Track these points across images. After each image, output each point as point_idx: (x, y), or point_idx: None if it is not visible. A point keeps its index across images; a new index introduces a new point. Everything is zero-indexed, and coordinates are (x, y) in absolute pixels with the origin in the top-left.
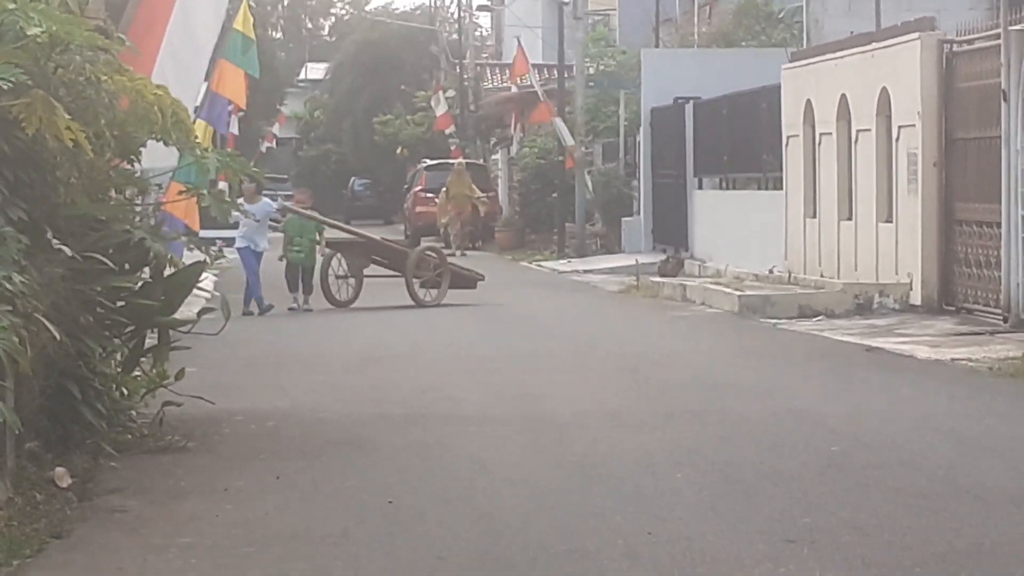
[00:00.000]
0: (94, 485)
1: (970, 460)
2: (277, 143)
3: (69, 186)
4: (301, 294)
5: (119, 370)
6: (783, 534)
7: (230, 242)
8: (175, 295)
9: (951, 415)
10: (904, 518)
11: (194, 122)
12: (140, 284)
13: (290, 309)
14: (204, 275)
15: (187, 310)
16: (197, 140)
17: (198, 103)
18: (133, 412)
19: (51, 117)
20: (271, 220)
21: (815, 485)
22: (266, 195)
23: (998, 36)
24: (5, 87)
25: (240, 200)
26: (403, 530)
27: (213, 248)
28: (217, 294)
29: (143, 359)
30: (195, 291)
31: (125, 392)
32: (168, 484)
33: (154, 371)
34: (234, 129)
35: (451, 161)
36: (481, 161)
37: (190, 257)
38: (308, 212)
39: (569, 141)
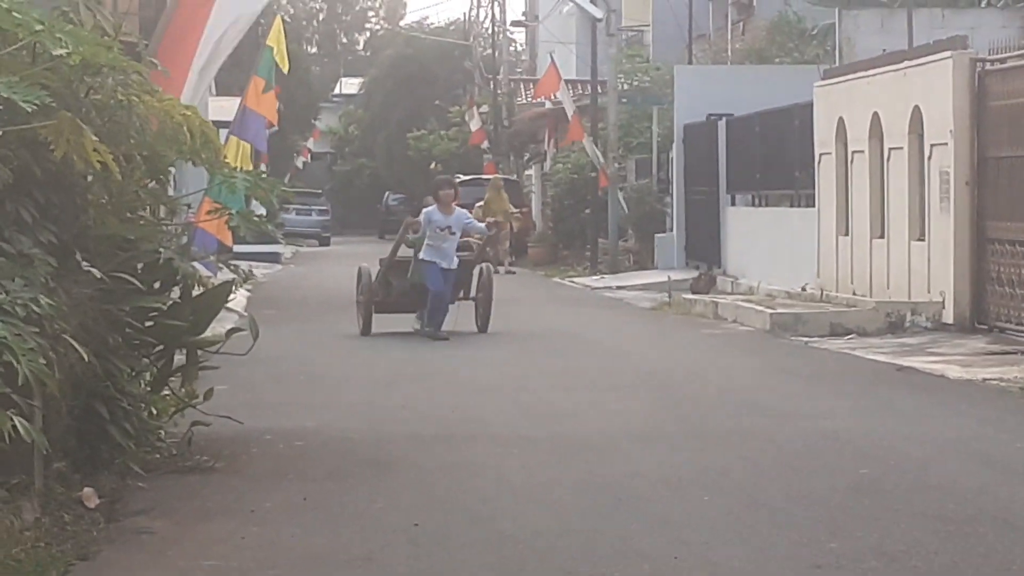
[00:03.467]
0: (121, 506)
1: (1000, 484)
2: (312, 158)
3: (99, 207)
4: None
5: (147, 390)
6: (810, 559)
7: (271, 257)
8: (204, 314)
9: (982, 437)
10: (932, 543)
11: (226, 140)
12: (169, 304)
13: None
14: (235, 293)
15: (219, 327)
16: (226, 159)
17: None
18: (161, 432)
19: (79, 139)
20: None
21: (843, 509)
22: (298, 208)
23: None
24: (29, 109)
25: (430, 208)
26: (427, 554)
27: (243, 267)
28: (246, 314)
29: (172, 379)
30: (226, 310)
31: (154, 412)
32: (195, 505)
33: (183, 391)
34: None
35: (485, 177)
36: (514, 177)
37: (223, 275)
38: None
39: (599, 161)
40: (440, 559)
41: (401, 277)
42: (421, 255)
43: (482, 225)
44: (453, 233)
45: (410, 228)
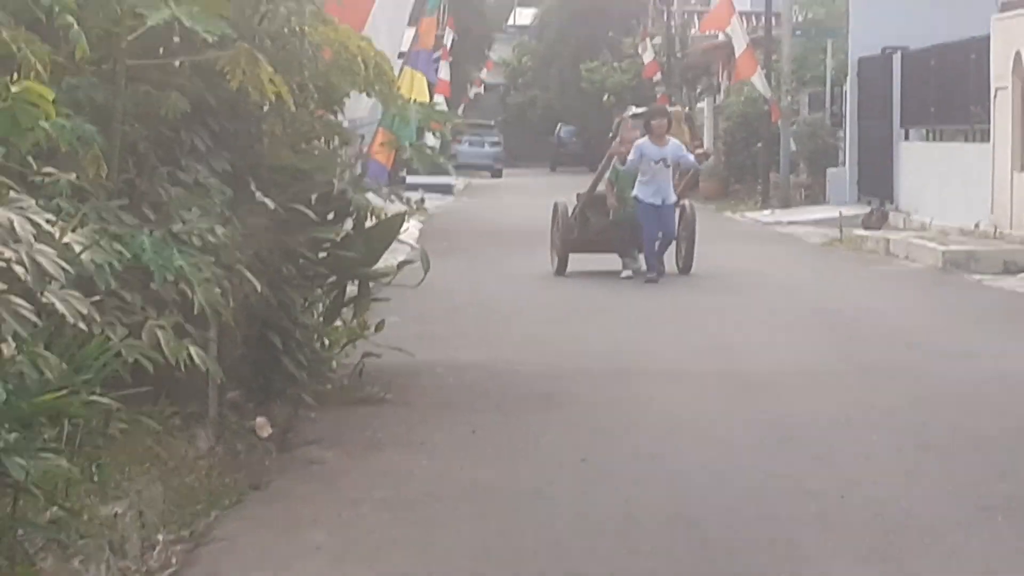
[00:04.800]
0: (293, 436)
1: None
2: (485, 89)
3: (273, 138)
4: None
5: (320, 321)
6: (978, 501)
7: (443, 189)
8: (376, 246)
9: None
10: None
11: (400, 70)
12: (342, 235)
13: (627, 277)
14: (408, 225)
15: (391, 259)
16: (399, 91)
17: (404, 48)
18: (333, 363)
19: (255, 70)
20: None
21: (1012, 451)
22: (471, 139)
23: None
24: (211, 40)
25: (642, 141)
26: (595, 488)
27: (415, 199)
28: (418, 246)
29: (344, 310)
30: (398, 242)
31: (326, 343)
32: (365, 436)
33: (355, 322)
34: (444, 75)
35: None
36: (687, 110)
37: (396, 206)
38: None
39: (770, 95)
40: (608, 494)
41: (601, 213)
42: (635, 192)
43: (694, 157)
44: (668, 166)
45: (616, 158)
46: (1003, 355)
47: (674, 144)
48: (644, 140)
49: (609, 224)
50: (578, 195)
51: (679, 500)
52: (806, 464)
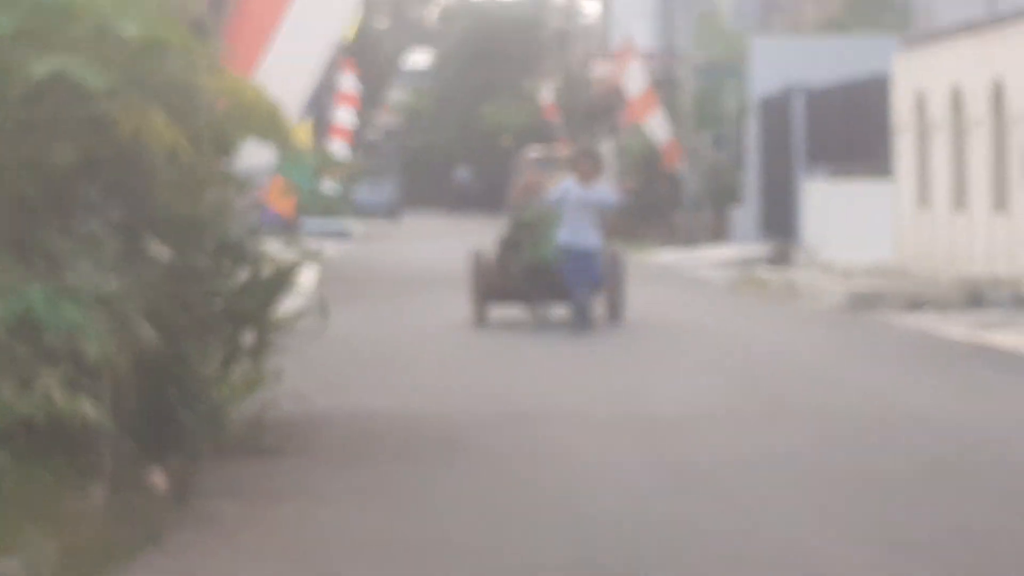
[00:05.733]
0: (190, 488)
1: None
2: (384, 134)
3: (168, 187)
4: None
5: (217, 372)
6: (887, 540)
7: (340, 235)
8: (273, 295)
9: None
10: (1014, 524)
11: (303, 119)
12: (238, 285)
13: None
14: (305, 272)
15: (290, 306)
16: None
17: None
18: (231, 414)
19: (148, 118)
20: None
21: (921, 489)
22: (369, 184)
23: None
24: (98, 90)
25: (567, 182)
26: (498, 536)
27: (313, 245)
28: (317, 293)
29: (242, 360)
30: (296, 289)
31: (224, 394)
32: (264, 487)
33: (253, 372)
34: (349, 121)
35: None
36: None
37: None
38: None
39: (663, 139)
40: (511, 542)
41: (521, 259)
42: (560, 238)
43: (616, 198)
44: (592, 209)
45: (528, 192)
46: (909, 392)
47: (602, 186)
48: (569, 181)
49: (530, 270)
50: (500, 241)
51: (583, 546)
52: (712, 506)
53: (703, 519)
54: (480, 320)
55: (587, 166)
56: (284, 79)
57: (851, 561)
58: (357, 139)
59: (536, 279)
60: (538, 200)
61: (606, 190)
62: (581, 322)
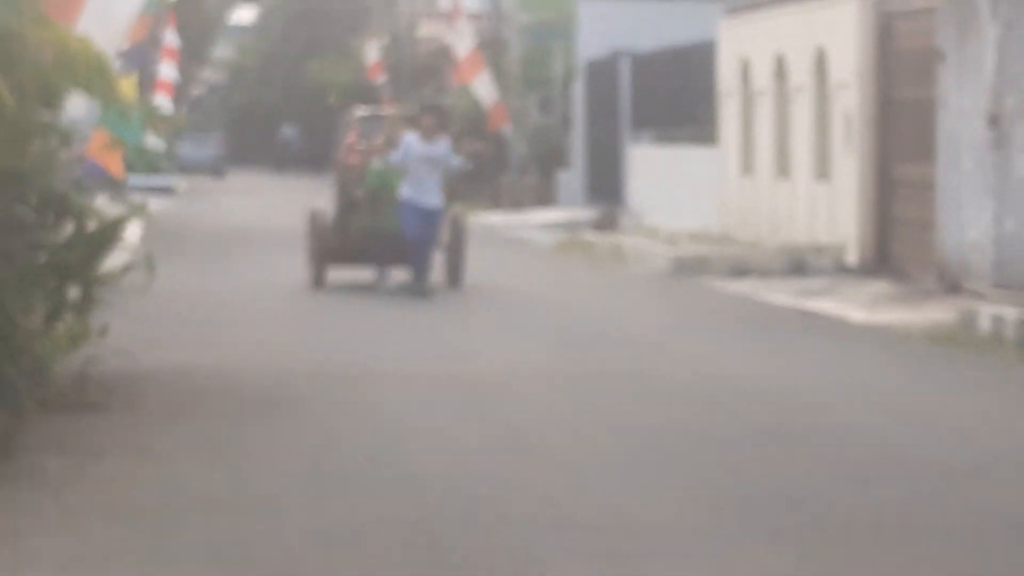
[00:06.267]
0: (14, 443)
1: (901, 429)
2: (208, 89)
3: None
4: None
5: (41, 326)
6: (711, 502)
7: (163, 191)
8: (98, 249)
9: (884, 381)
10: (833, 488)
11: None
12: (63, 238)
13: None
14: (130, 226)
15: (114, 261)
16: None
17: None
18: (55, 369)
19: None
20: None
21: (744, 452)
22: (193, 140)
23: None
24: None
25: (410, 137)
26: (326, 496)
27: (137, 199)
28: (141, 248)
29: (66, 315)
30: (120, 244)
31: (47, 348)
32: (90, 443)
33: (77, 327)
34: (169, 75)
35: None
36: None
37: (117, 208)
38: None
39: (489, 101)
40: (340, 502)
41: (362, 219)
42: (402, 194)
43: (460, 159)
44: (436, 166)
45: (372, 155)
46: (732, 358)
47: (444, 142)
48: (412, 136)
49: (370, 232)
50: (337, 202)
51: (413, 507)
52: (540, 468)
53: (528, 479)
54: (318, 282)
55: (431, 122)
56: (103, 30)
57: (675, 521)
58: (180, 94)
59: (376, 242)
60: (377, 159)
61: (449, 149)
62: (419, 285)
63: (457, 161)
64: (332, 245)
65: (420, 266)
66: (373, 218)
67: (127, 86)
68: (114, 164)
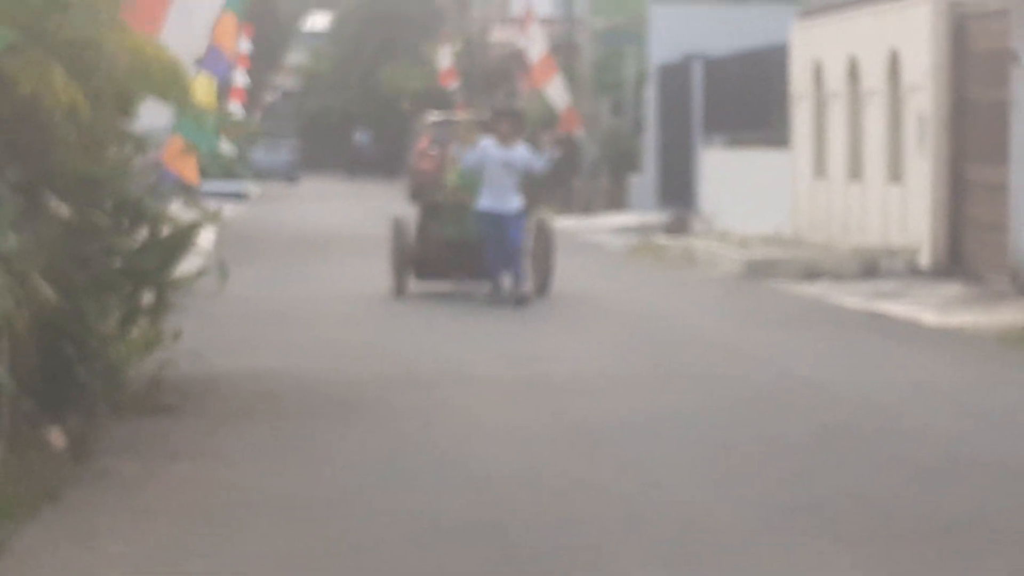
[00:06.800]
0: (89, 446)
1: (972, 430)
2: (282, 95)
3: (67, 145)
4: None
5: (116, 330)
6: (781, 503)
7: (237, 196)
8: (172, 254)
9: (955, 384)
10: (904, 489)
11: (196, 75)
12: (138, 243)
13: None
14: (204, 232)
15: (188, 265)
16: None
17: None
18: (129, 372)
19: (47, 76)
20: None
21: (815, 454)
22: (267, 145)
23: None
24: (3, 47)
25: (486, 142)
26: (398, 495)
27: (211, 205)
28: (215, 253)
29: (140, 319)
30: (195, 249)
31: (122, 352)
32: (163, 446)
33: (151, 331)
34: (241, 82)
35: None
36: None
37: (191, 214)
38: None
39: (562, 105)
40: (411, 501)
41: (444, 227)
42: (481, 205)
43: (546, 155)
44: (512, 171)
45: (451, 156)
46: (804, 360)
47: (523, 148)
48: (488, 141)
49: (453, 240)
50: (422, 205)
51: (484, 506)
52: (611, 468)
53: (600, 480)
54: (399, 291)
55: (507, 126)
56: (184, 38)
57: (745, 522)
58: (252, 100)
59: (459, 254)
60: (456, 164)
61: (527, 153)
62: (518, 293)
63: (542, 160)
64: (414, 254)
65: (493, 272)
66: (455, 227)
67: (205, 91)
68: (188, 170)
